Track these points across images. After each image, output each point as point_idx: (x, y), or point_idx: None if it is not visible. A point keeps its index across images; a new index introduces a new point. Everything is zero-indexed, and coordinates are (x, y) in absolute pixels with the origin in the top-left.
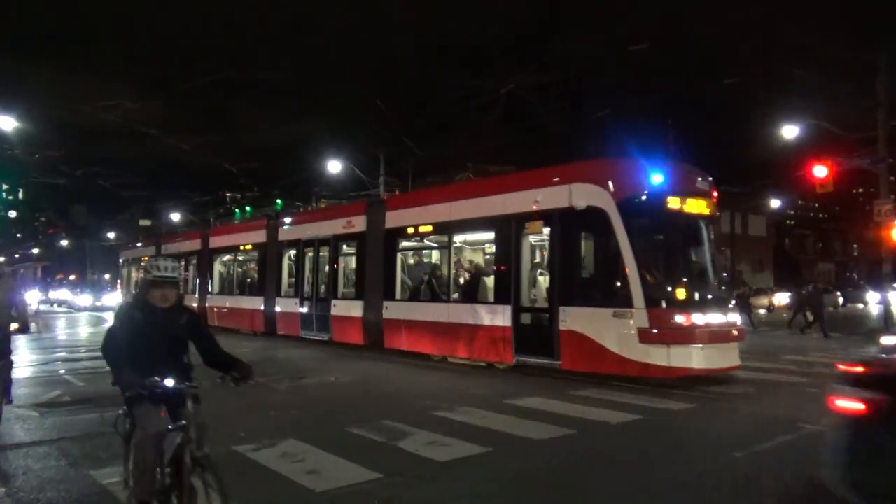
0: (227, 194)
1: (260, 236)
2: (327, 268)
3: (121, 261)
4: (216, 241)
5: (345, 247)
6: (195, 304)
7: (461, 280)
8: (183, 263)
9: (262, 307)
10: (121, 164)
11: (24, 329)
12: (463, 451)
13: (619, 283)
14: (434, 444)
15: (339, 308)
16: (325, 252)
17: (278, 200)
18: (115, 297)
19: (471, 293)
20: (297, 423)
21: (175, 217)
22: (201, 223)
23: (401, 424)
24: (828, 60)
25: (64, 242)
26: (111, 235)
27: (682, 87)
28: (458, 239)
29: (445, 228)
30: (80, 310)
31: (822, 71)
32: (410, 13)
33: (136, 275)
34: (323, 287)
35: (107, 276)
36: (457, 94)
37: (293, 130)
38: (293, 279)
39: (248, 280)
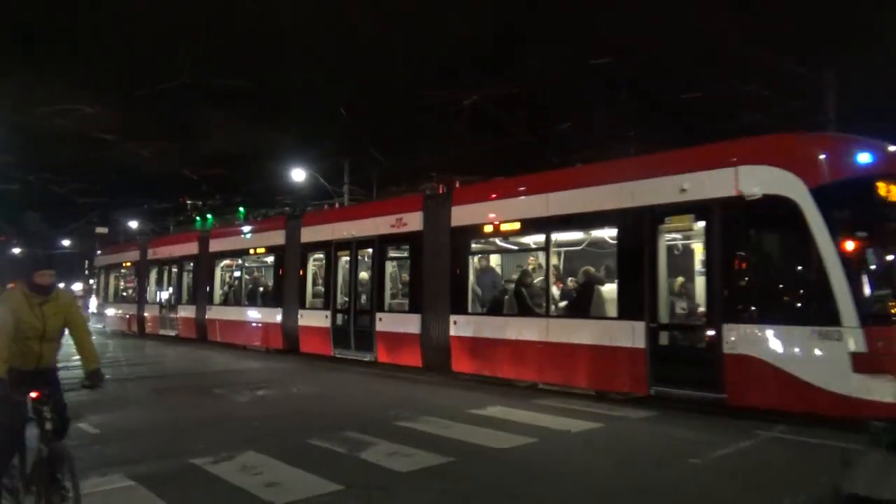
0: (188, 202)
1: (278, 237)
2: (370, 274)
3: (96, 268)
4: (218, 245)
5: (393, 250)
6: (192, 317)
7: (565, 289)
8: (175, 270)
9: (280, 320)
10: (76, 170)
11: None
12: (425, 461)
13: (818, 294)
14: (396, 454)
15: (387, 323)
16: (365, 256)
17: (241, 208)
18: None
19: (581, 306)
20: (256, 434)
21: (133, 224)
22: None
23: (363, 435)
24: (781, 77)
25: (16, 250)
26: (66, 243)
27: (645, 101)
28: (559, 238)
29: (540, 226)
30: None
31: (775, 87)
32: (376, 24)
33: (116, 282)
34: (364, 297)
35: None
36: (422, 104)
37: (256, 137)
38: (323, 288)
39: (262, 289)
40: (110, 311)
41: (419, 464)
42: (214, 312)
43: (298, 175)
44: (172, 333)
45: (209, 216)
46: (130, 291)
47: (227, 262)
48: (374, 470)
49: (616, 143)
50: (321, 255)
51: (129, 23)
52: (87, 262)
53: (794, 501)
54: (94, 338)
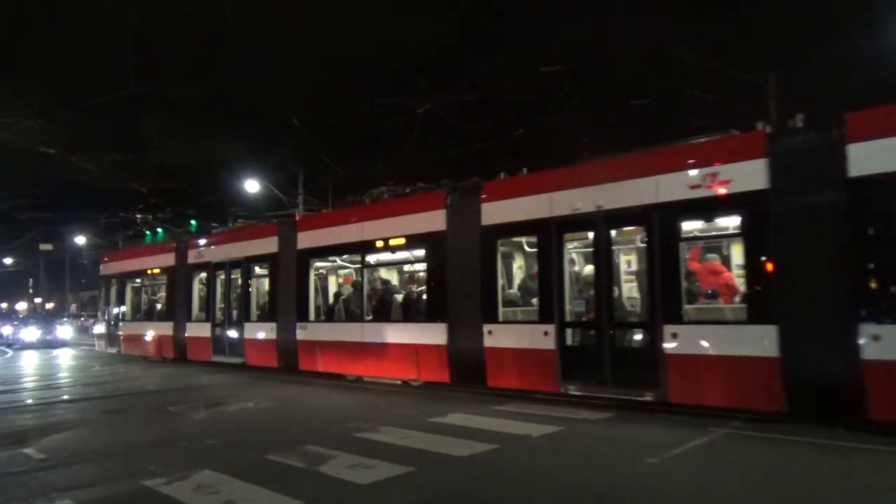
0: (138, 216)
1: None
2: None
3: (101, 278)
4: (313, 240)
5: (259, 269)
6: (272, 338)
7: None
8: (239, 276)
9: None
10: (18, 186)
11: None
12: (386, 472)
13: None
14: (356, 466)
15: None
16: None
17: (192, 221)
18: (69, 328)
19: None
20: (212, 452)
21: (80, 240)
22: (111, 246)
23: (322, 448)
24: (726, 82)
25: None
26: (8, 261)
27: (595, 107)
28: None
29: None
30: (22, 347)
31: (721, 92)
32: (328, 34)
33: (135, 296)
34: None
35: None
36: (375, 113)
37: (207, 148)
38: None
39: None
40: (128, 332)
41: (380, 475)
42: (316, 332)
43: (252, 186)
44: (236, 360)
45: (159, 230)
46: (160, 306)
47: (328, 263)
48: (334, 483)
49: (570, 149)
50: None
51: (73, 33)
52: (31, 280)
53: (751, 496)
54: (111, 368)
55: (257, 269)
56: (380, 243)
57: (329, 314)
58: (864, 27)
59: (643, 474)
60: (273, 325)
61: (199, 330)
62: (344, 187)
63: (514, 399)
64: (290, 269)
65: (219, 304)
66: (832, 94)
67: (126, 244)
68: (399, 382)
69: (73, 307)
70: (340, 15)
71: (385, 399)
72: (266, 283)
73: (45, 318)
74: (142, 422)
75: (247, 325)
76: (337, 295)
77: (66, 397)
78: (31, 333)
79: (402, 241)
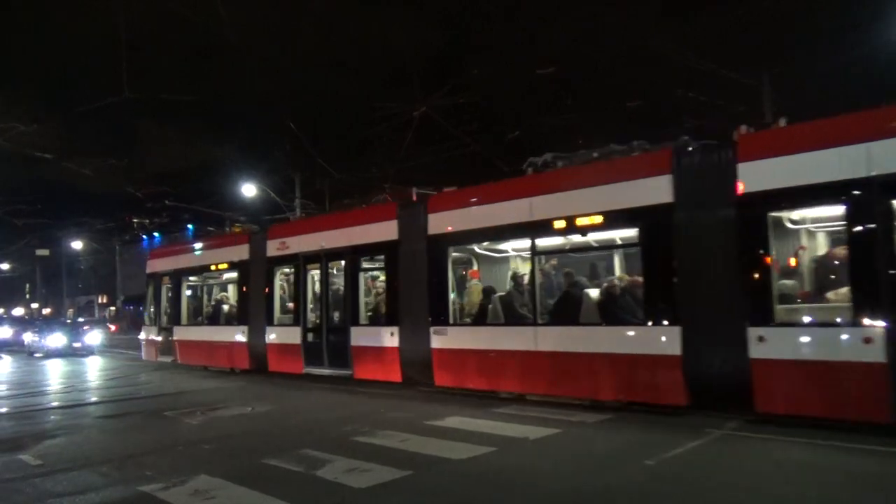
0: (135, 220)
1: None
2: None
3: (150, 276)
4: (454, 222)
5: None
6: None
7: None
8: (344, 270)
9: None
10: (14, 191)
11: None
12: (383, 475)
13: None
14: (354, 470)
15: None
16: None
17: (189, 225)
18: (98, 334)
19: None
20: (209, 457)
21: (76, 245)
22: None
23: (320, 452)
24: (720, 83)
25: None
26: (4, 266)
27: (590, 109)
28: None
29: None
30: (49, 355)
31: (716, 94)
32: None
33: (196, 296)
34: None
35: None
36: (371, 116)
37: (203, 153)
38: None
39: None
40: (185, 338)
41: (377, 479)
42: (463, 338)
43: (248, 190)
44: (340, 373)
45: (189, 226)
46: (227, 307)
47: (476, 250)
48: (331, 487)
49: (564, 150)
50: None
51: (67, 37)
52: (27, 285)
53: (747, 498)
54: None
55: (367, 262)
56: (560, 224)
57: (480, 316)
58: (855, 28)
59: (639, 476)
60: (393, 329)
61: (284, 335)
62: (341, 190)
63: (514, 402)
64: (420, 260)
65: (312, 304)
66: (828, 91)
67: (122, 248)
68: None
69: (70, 312)
70: (334, 19)
71: (383, 402)
72: (382, 277)
73: (72, 323)
74: (133, 426)
75: (354, 330)
76: (487, 291)
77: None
78: (57, 340)
79: (599, 219)
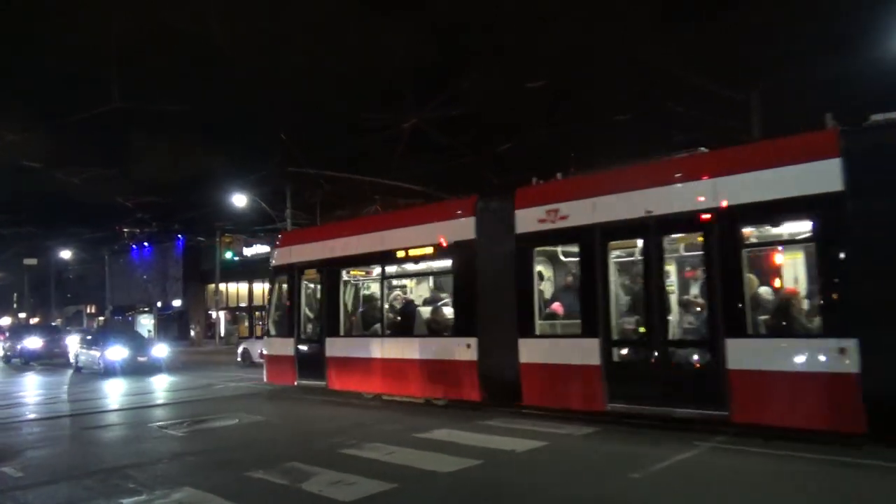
0: (125, 230)
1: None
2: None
3: (275, 268)
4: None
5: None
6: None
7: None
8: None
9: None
10: (2, 200)
11: None
12: (368, 488)
13: None
14: (339, 483)
15: None
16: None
17: (179, 235)
18: (164, 347)
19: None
20: (194, 469)
21: (65, 254)
22: (96, 260)
23: (305, 465)
24: (709, 99)
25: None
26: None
27: (580, 123)
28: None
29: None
30: (108, 372)
31: (704, 109)
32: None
33: (351, 296)
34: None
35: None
36: (363, 128)
37: (193, 163)
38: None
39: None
40: (344, 354)
41: (362, 492)
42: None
43: (239, 200)
44: (706, 413)
45: (179, 237)
46: (439, 312)
47: None
48: (316, 501)
49: (554, 163)
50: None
51: (58, 47)
52: (15, 294)
53: None
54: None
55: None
56: None
57: None
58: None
59: (627, 489)
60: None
61: (562, 352)
62: (332, 201)
63: (501, 414)
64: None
65: (616, 305)
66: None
67: (111, 258)
68: None
69: (59, 321)
70: (326, 32)
71: (371, 414)
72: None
73: (134, 333)
74: (117, 439)
75: (730, 344)
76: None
77: None
78: (118, 353)
79: None
